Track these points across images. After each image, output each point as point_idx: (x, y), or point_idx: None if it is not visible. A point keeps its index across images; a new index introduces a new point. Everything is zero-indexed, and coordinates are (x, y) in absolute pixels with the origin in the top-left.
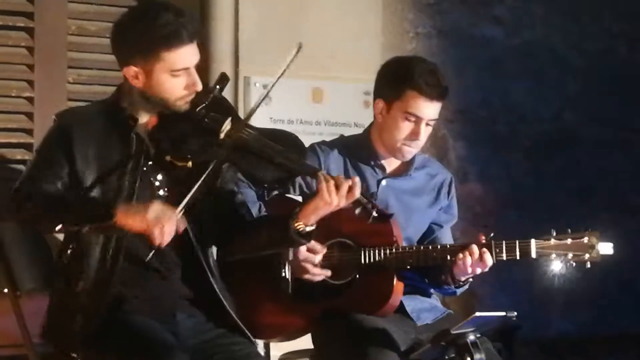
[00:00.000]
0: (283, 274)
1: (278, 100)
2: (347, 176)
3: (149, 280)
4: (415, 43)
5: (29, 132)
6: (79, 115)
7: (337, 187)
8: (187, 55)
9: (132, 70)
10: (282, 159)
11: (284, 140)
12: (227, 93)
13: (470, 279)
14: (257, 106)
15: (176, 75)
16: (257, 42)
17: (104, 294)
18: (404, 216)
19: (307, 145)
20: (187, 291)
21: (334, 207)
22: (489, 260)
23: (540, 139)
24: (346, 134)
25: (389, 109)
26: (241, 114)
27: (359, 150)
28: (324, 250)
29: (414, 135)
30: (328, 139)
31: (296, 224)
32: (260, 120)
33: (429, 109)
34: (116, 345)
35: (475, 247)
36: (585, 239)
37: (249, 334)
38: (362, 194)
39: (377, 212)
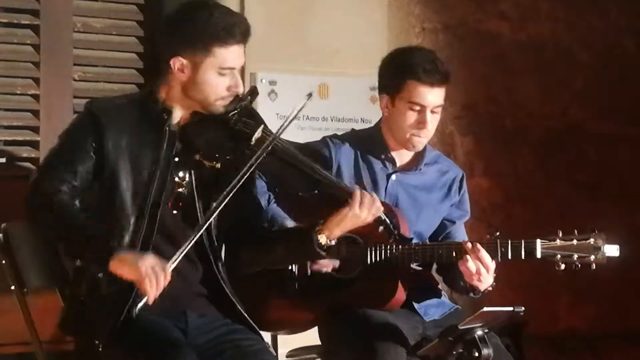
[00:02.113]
0: (289, 268)
1: (284, 96)
2: (357, 169)
3: None
4: (421, 38)
5: (35, 129)
6: (111, 104)
7: (370, 202)
8: (236, 54)
9: (179, 61)
10: (318, 175)
11: (313, 156)
12: None
13: (490, 288)
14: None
15: (222, 73)
16: (263, 38)
17: (128, 295)
18: (413, 211)
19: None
20: (200, 290)
21: (360, 221)
22: (486, 257)
23: (548, 134)
24: None
25: (393, 102)
26: None
27: (370, 144)
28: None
29: (420, 123)
30: None
31: (319, 237)
32: (265, 116)
33: (432, 96)
34: (126, 342)
35: (468, 245)
36: (591, 241)
37: (259, 331)
38: (385, 214)
39: (398, 235)
